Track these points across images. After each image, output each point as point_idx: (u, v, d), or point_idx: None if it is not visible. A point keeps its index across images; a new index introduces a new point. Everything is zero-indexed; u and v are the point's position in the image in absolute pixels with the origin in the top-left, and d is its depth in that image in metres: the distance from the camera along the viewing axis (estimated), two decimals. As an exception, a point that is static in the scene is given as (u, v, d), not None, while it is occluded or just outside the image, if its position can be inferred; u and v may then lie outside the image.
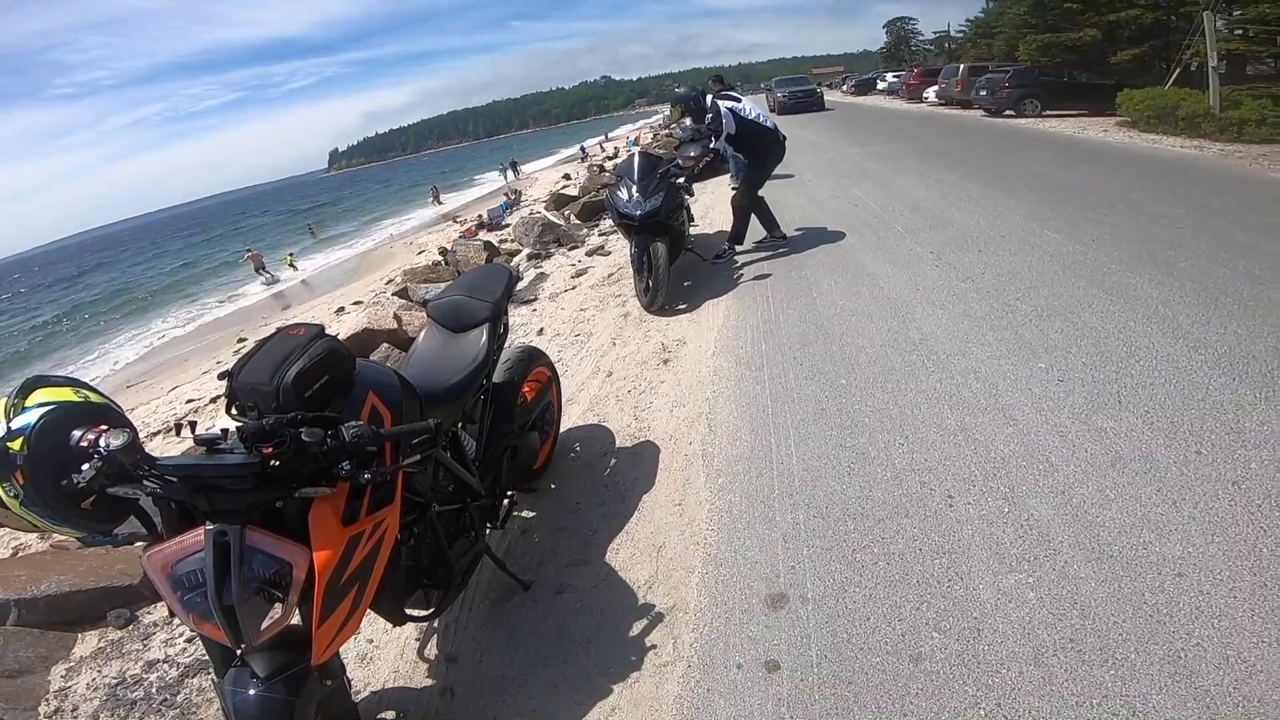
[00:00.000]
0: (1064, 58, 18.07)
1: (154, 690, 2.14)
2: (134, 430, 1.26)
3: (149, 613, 2.53)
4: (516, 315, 5.27)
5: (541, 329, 4.90)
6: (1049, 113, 14.55)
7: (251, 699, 1.34)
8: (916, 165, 9.13)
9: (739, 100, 5.45)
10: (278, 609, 1.31)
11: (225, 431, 1.32)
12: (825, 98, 28.27)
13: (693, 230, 6.07)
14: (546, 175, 28.20)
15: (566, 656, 1.95)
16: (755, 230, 5.76)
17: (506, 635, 2.08)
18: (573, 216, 9.91)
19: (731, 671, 1.78)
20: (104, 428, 1.28)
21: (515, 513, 2.58)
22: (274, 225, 46.42)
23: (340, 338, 2.49)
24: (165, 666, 2.24)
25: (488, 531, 2.22)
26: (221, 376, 1.47)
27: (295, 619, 1.36)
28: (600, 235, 8.03)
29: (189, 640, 2.33)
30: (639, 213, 4.76)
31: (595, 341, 4.41)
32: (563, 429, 3.12)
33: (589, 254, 7.08)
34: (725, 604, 2.01)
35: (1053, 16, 19.18)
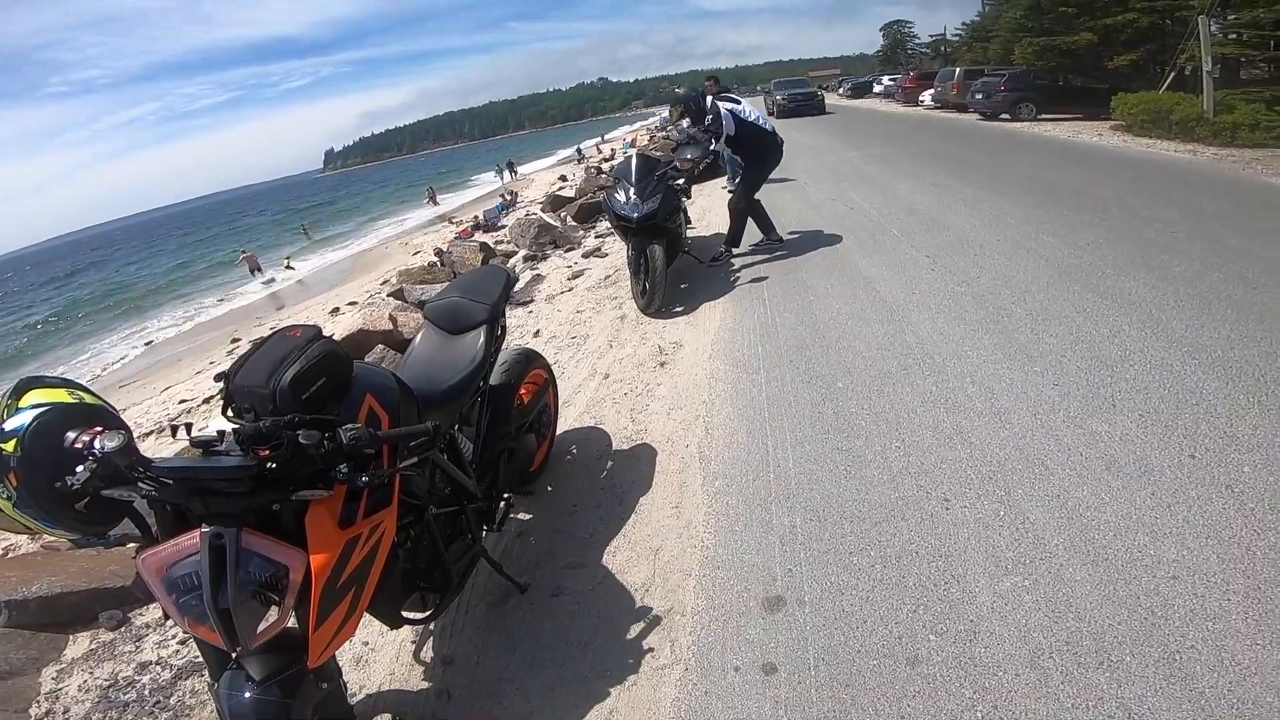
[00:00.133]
0: (1059, 62, 18.15)
1: (146, 692, 2.13)
2: (129, 432, 1.26)
3: (141, 614, 2.51)
4: (512, 317, 5.27)
5: (538, 331, 4.89)
6: (1044, 116, 14.64)
7: (247, 702, 1.33)
8: (912, 169, 9.17)
9: (739, 102, 5.46)
10: (274, 612, 1.30)
11: (221, 433, 1.31)
12: (826, 101, 27.23)
13: (690, 233, 6.07)
14: (543, 176, 28.19)
15: (563, 659, 1.95)
16: (752, 233, 5.77)
17: (503, 638, 2.07)
18: (569, 218, 9.90)
19: (729, 674, 1.78)
20: (99, 429, 1.27)
21: (512, 515, 2.58)
22: (270, 225, 46.26)
23: (334, 338, 2.48)
24: (158, 668, 2.22)
25: (484, 534, 2.22)
26: (218, 378, 1.46)
27: (291, 622, 1.36)
28: (597, 237, 8.03)
29: (182, 642, 2.31)
30: (636, 215, 4.76)
31: (592, 344, 4.41)
32: (559, 431, 3.11)
33: (585, 256, 7.07)
34: (722, 607, 2.01)
35: (1048, 20, 19.26)
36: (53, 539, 2.81)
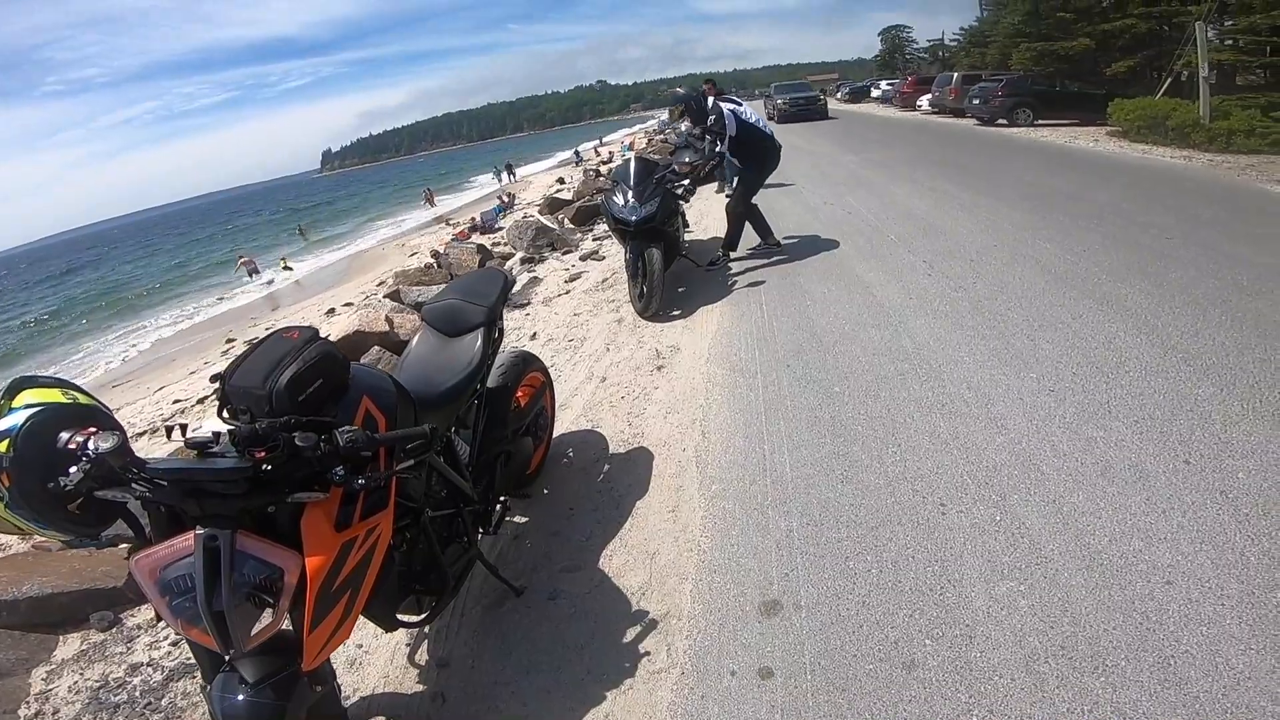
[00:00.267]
0: (1057, 67, 18.27)
1: (137, 694, 2.12)
2: (123, 433, 1.25)
3: (133, 615, 2.50)
4: (509, 319, 5.26)
5: (535, 333, 4.89)
6: (1041, 122, 14.70)
7: (240, 704, 1.33)
8: (910, 173, 9.20)
9: (739, 104, 5.47)
10: (268, 615, 1.29)
11: (217, 435, 1.30)
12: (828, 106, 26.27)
13: (687, 236, 6.08)
14: (541, 179, 28.21)
15: (560, 663, 1.94)
16: (749, 237, 5.78)
17: (499, 641, 2.07)
18: (567, 221, 9.90)
19: (725, 678, 1.78)
20: (92, 430, 1.26)
21: (508, 518, 2.57)
22: (267, 226, 46.15)
23: (331, 339, 2.47)
24: (149, 670, 2.21)
25: (480, 537, 2.21)
26: (214, 379, 1.45)
27: (286, 624, 1.35)
28: (594, 240, 8.03)
29: (174, 643, 2.30)
30: (635, 218, 4.77)
31: (589, 347, 4.40)
32: (556, 434, 3.11)
33: (583, 259, 7.07)
34: (719, 611, 2.01)
35: (1046, 26, 19.36)
36: (44, 539, 2.79)
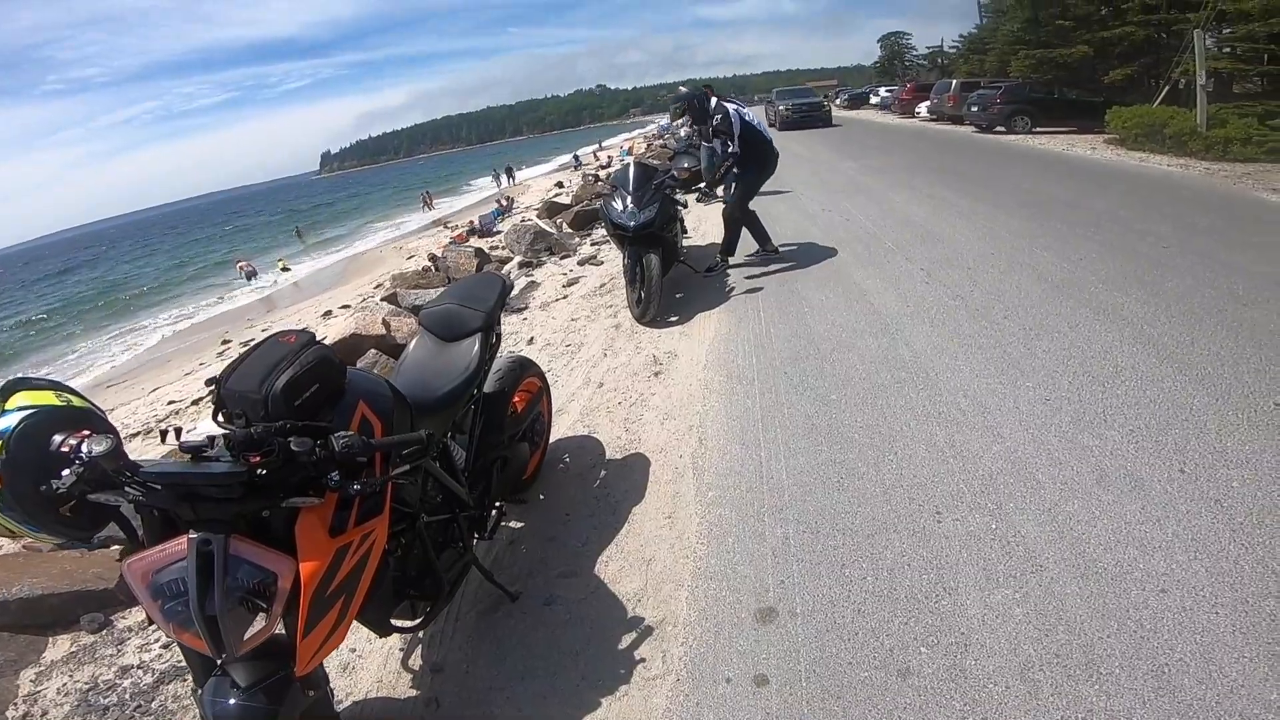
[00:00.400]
0: (1055, 74, 18.32)
1: (127, 696, 2.10)
2: (117, 436, 1.24)
3: (124, 617, 2.48)
4: (507, 324, 5.26)
5: (532, 338, 4.89)
6: (1039, 129, 14.76)
7: (231, 708, 1.32)
8: (908, 180, 9.23)
9: (741, 105, 5.48)
10: (261, 619, 1.29)
11: (211, 439, 1.30)
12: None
13: (685, 242, 6.08)
14: (539, 183, 28.24)
15: (555, 668, 1.94)
16: (747, 243, 5.78)
17: (494, 646, 2.06)
18: (565, 225, 9.91)
19: (720, 685, 1.78)
20: (86, 433, 1.26)
21: (504, 523, 2.56)
22: (265, 226, 46.14)
23: (327, 342, 2.47)
24: (140, 672, 2.20)
25: (475, 542, 2.21)
26: (209, 382, 1.45)
27: (279, 629, 1.34)
28: (592, 245, 8.04)
29: (165, 646, 2.29)
30: (633, 223, 4.77)
31: (586, 352, 4.40)
32: (552, 439, 3.11)
33: (581, 263, 7.08)
34: (714, 618, 2.00)
35: (1045, 33, 19.45)
36: (35, 541, 2.78)
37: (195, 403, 6.57)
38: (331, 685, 1.72)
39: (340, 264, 19.83)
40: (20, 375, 1.53)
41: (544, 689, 1.88)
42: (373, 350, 4.78)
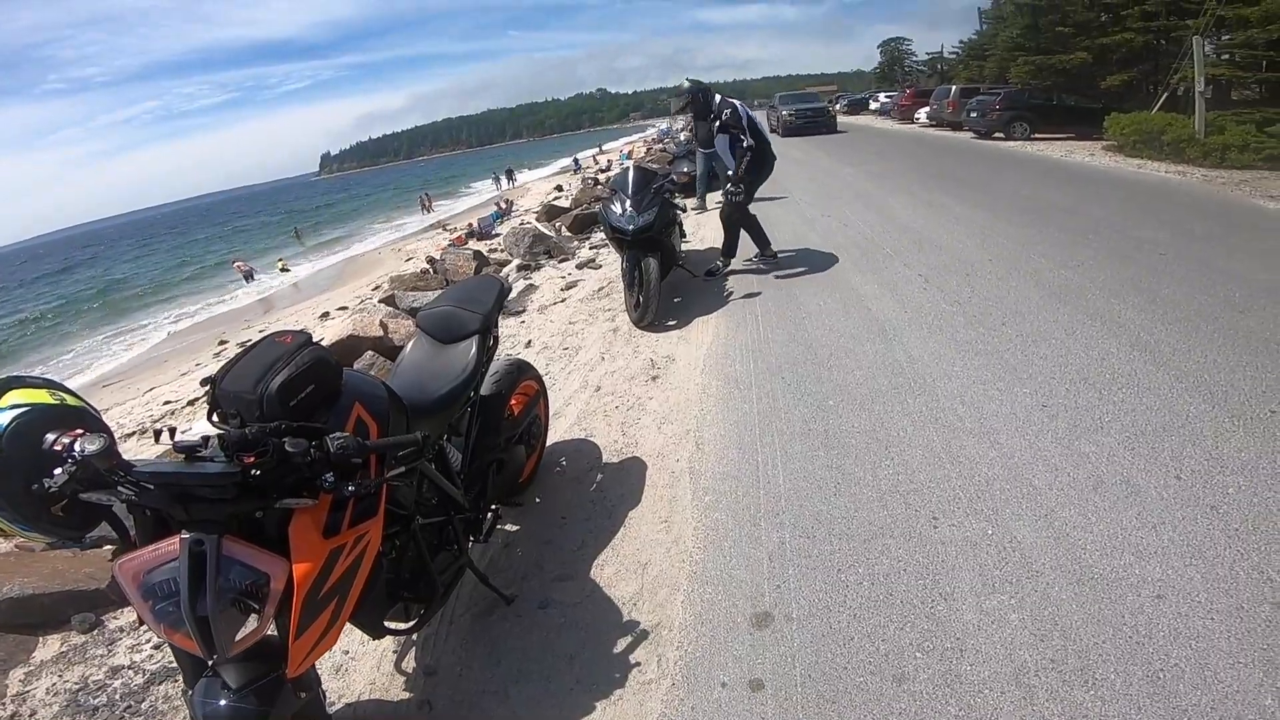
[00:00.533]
0: (1054, 81, 18.38)
1: (117, 697, 2.09)
2: (110, 435, 1.24)
3: (115, 618, 2.47)
4: (504, 327, 5.25)
5: (529, 341, 4.88)
6: (1037, 135, 14.83)
7: (222, 710, 1.31)
8: (907, 186, 9.25)
9: (741, 105, 5.46)
10: (253, 620, 1.28)
11: (205, 439, 1.29)
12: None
13: (684, 246, 6.08)
14: (539, 186, 28.27)
15: (549, 672, 1.93)
16: (746, 248, 5.79)
17: (488, 649, 2.05)
18: (564, 228, 9.92)
19: (715, 690, 1.77)
20: (79, 432, 1.25)
21: (499, 526, 2.56)
22: (265, 228, 46.10)
23: (325, 344, 2.47)
24: (130, 673, 2.19)
25: (471, 544, 2.20)
26: (204, 382, 1.45)
27: (271, 630, 1.34)
28: (591, 248, 8.04)
29: (156, 647, 2.28)
30: (632, 227, 4.77)
31: (584, 355, 4.40)
32: (549, 443, 3.10)
33: (579, 267, 7.08)
34: (710, 622, 2.00)
35: (1044, 39, 19.52)
36: (27, 540, 2.77)
37: (191, 403, 6.56)
38: (324, 687, 1.72)
39: (338, 265, 19.81)
40: (15, 373, 1.52)
41: (538, 692, 1.87)
42: (370, 352, 4.78)
